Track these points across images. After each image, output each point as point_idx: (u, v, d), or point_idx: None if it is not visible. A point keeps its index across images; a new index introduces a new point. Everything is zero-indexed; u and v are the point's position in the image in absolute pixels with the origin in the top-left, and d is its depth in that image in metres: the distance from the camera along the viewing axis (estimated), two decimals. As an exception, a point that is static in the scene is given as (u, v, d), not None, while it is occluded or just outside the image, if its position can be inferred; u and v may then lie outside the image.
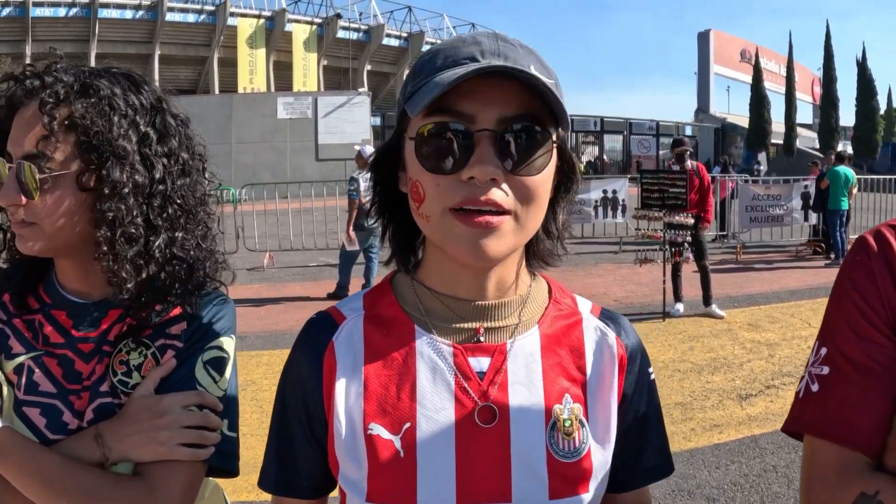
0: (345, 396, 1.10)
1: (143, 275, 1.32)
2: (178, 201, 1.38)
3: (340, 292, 10.72)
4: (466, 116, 0.97)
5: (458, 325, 1.11)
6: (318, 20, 62.14)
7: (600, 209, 15.57)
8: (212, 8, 61.69)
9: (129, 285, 1.31)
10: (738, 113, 63.13)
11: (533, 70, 0.98)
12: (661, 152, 50.07)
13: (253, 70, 57.99)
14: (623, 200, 15.57)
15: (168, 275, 1.36)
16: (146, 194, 1.34)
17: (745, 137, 55.81)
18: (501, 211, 0.98)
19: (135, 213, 1.31)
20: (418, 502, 1.04)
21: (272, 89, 55.37)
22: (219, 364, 1.40)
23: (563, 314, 1.18)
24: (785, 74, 56.56)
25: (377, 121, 44.43)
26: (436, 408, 1.06)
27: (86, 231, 1.32)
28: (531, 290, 1.16)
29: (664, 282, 9.47)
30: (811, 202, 14.97)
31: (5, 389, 1.32)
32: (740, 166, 36.21)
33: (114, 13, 61.87)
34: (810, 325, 8.87)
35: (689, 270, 9.77)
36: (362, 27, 64.67)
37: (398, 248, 1.17)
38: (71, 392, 1.33)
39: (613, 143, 53.15)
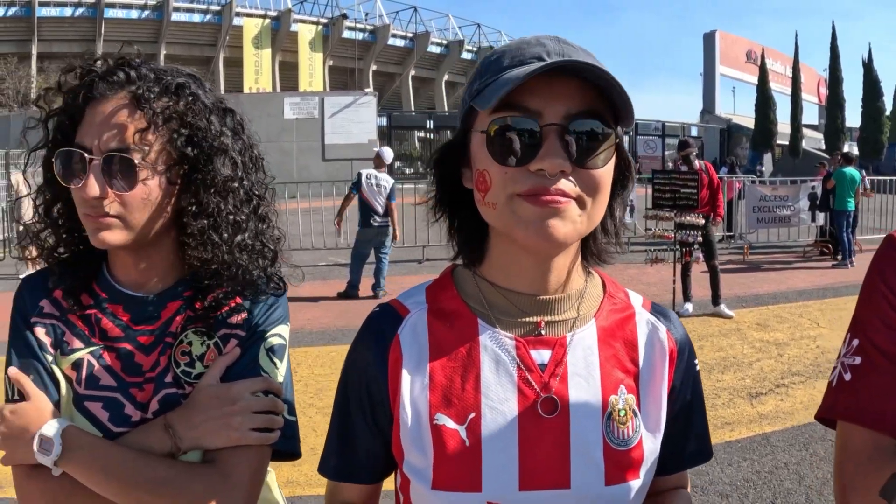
0: (410, 388, 1.14)
1: (228, 266, 1.37)
2: (256, 194, 1.43)
3: (351, 291, 10.79)
4: (534, 112, 1.01)
5: (520, 319, 1.15)
6: (323, 20, 62.12)
7: (608, 209, 15.51)
8: (217, 8, 61.66)
9: (209, 276, 1.36)
10: (743, 114, 62.91)
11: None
12: (666, 153, 49.95)
13: (258, 70, 58.02)
14: (631, 201, 15.46)
15: (240, 265, 1.39)
16: (235, 189, 1.38)
17: (750, 138, 55.69)
18: (566, 200, 1.02)
19: (231, 207, 1.36)
20: (483, 489, 1.08)
21: (278, 89, 55.39)
22: (279, 351, 1.44)
23: (617, 308, 1.22)
24: (791, 75, 56.35)
25: (383, 121, 44.47)
26: (500, 399, 1.11)
27: (165, 223, 1.35)
28: (587, 285, 1.20)
29: (674, 282, 9.53)
30: (818, 203, 14.98)
31: (63, 386, 1.35)
32: (745, 167, 36.11)
33: (119, 13, 61.81)
34: (818, 326, 8.92)
35: (698, 270, 9.80)
36: (368, 27, 64.62)
37: (463, 243, 1.20)
38: (132, 385, 1.35)
39: (619, 143, 52.67)
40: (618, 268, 13.16)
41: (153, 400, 1.35)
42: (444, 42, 69.81)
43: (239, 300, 1.42)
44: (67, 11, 61.68)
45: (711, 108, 62.07)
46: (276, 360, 1.43)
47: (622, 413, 1.13)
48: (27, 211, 1.46)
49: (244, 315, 1.43)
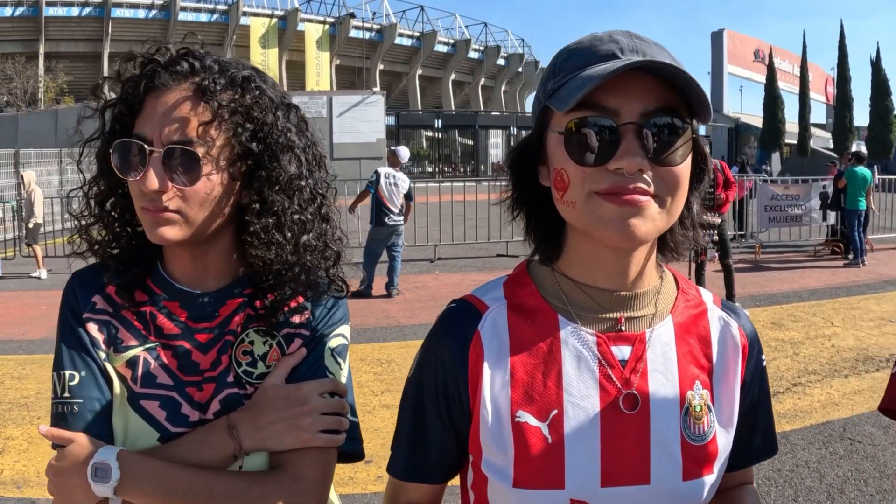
0: (491, 384, 1.13)
1: (291, 266, 1.34)
2: (320, 193, 1.40)
3: (366, 290, 10.80)
4: (611, 111, 1.00)
5: (600, 315, 1.14)
6: (330, 19, 62.17)
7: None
8: (224, 7, 61.74)
9: (271, 276, 1.33)
10: (750, 112, 62.83)
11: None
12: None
13: (265, 69, 57.79)
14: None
15: (304, 266, 1.36)
16: (301, 187, 1.34)
17: (758, 137, 55.61)
18: (645, 198, 1.02)
19: (296, 206, 1.33)
20: (566, 486, 1.08)
21: (285, 89, 55.26)
22: (342, 352, 1.42)
23: (691, 304, 1.22)
24: (799, 74, 56.29)
25: (391, 120, 44.48)
26: (581, 395, 1.10)
27: (224, 221, 1.32)
28: (662, 281, 1.20)
29: (688, 276, 9.49)
30: (829, 202, 14.97)
31: (116, 384, 1.30)
32: (754, 167, 36.01)
33: (127, 13, 61.83)
34: (832, 325, 8.90)
35: (711, 269, 9.79)
36: (375, 27, 64.63)
37: (542, 240, 1.19)
38: (188, 384, 1.31)
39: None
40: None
41: (214, 400, 1.31)
42: (451, 41, 69.81)
43: (301, 299, 1.39)
44: (74, 11, 61.71)
45: (719, 107, 61.85)
46: (340, 361, 1.41)
47: (698, 408, 1.14)
48: (78, 204, 1.41)
49: (307, 315, 1.39)
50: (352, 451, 1.38)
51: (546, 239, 1.19)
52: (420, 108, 62.62)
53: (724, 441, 1.17)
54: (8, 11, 60.35)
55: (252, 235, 1.31)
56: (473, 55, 70.07)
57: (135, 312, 1.35)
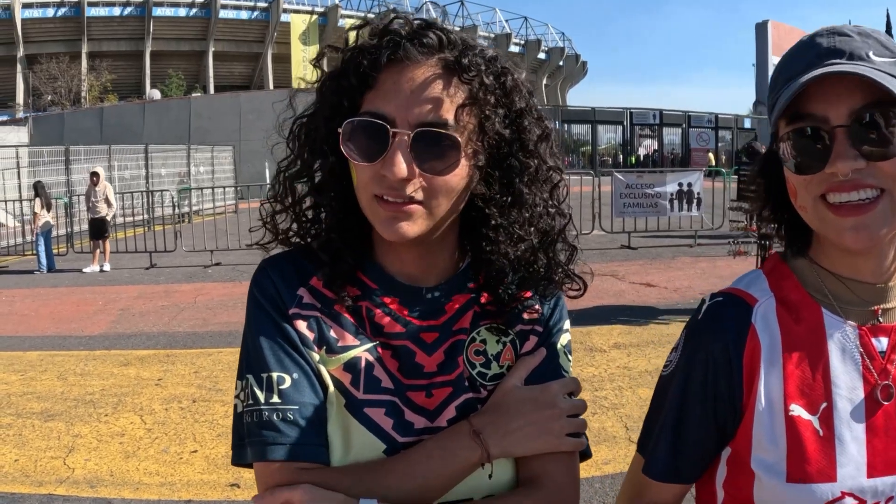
0: (766, 378, 1.12)
1: (530, 264, 1.21)
2: (558, 186, 1.26)
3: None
4: (819, 118, 1.03)
5: (859, 308, 1.14)
6: (371, 16, 62.44)
7: (675, 202, 15.28)
8: (265, 4, 62.44)
9: (510, 270, 1.20)
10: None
11: (872, 56, 1.03)
12: (719, 145, 49.35)
13: (306, 66, 58.54)
14: (698, 193, 15.26)
15: (547, 263, 1.23)
16: (551, 179, 1.23)
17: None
18: (870, 197, 1.02)
19: (544, 199, 1.20)
20: (838, 479, 1.07)
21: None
22: (571, 347, 1.31)
23: None
24: (845, 65, 55.26)
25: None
26: (848, 387, 1.11)
27: (457, 213, 1.18)
28: None
29: (756, 274, 9.24)
30: None
31: (332, 390, 1.15)
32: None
33: (168, 11, 62.94)
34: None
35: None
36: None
37: (792, 238, 1.20)
38: (410, 388, 1.17)
39: (672, 136, 52.28)
40: (687, 261, 12.99)
41: (450, 406, 1.18)
42: (492, 35, 69.77)
43: (528, 293, 1.24)
44: (116, 11, 62.94)
45: (765, 98, 61.02)
46: (570, 358, 1.30)
47: None
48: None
49: (537, 310, 1.26)
50: (585, 451, 1.26)
51: (797, 237, 1.20)
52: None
53: None
54: (51, 12, 61.64)
55: (497, 230, 1.17)
56: (514, 49, 69.87)
57: (349, 307, 1.19)
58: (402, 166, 1.05)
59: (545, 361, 1.23)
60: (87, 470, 4.99)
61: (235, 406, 1.16)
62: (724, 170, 22.56)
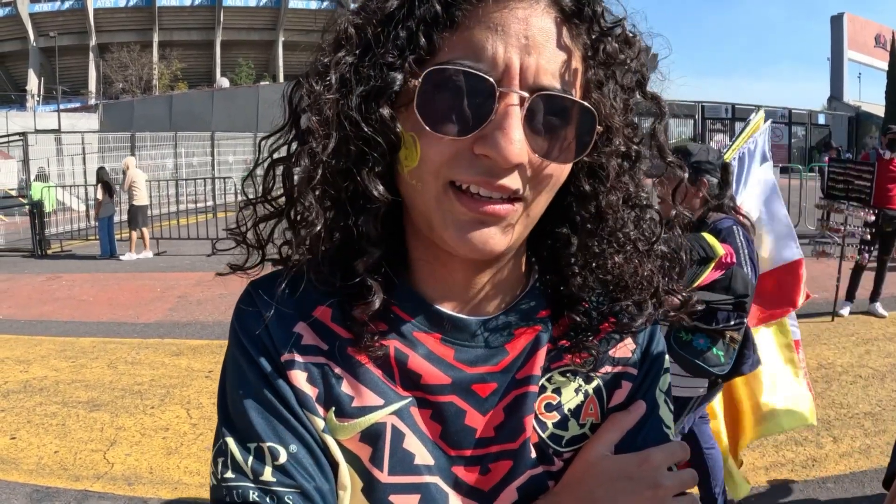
0: None
1: (633, 276, 0.89)
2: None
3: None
4: None
5: None
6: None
7: (748, 199, 14.68)
8: (333, -6, 62.51)
9: (601, 291, 0.91)
10: (869, 101, 59.91)
11: None
12: (793, 140, 47.96)
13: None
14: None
15: (644, 272, 0.90)
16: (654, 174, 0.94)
17: (879, 127, 52.87)
18: None
19: (647, 192, 0.91)
20: None
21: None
22: (671, 392, 0.97)
23: None
24: (926, 60, 53.24)
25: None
26: None
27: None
28: None
29: (838, 279, 8.68)
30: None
31: (344, 468, 0.82)
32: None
33: (238, 1, 63.81)
34: None
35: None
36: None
37: None
38: (457, 461, 0.85)
39: (744, 131, 51.07)
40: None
41: (510, 487, 0.84)
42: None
43: (613, 320, 0.91)
44: (187, 1, 63.92)
45: (839, 94, 59.36)
46: (672, 408, 0.96)
47: None
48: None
49: (631, 346, 0.94)
50: None
51: None
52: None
53: None
54: (122, 2, 62.93)
55: (591, 237, 0.87)
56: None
57: (369, 351, 0.84)
58: (518, 145, 0.72)
59: (643, 418, 0.90)
60: (127, 466, 4.79)
61: (212, 475, 0.82)
62: (800, 167, 21.67)
